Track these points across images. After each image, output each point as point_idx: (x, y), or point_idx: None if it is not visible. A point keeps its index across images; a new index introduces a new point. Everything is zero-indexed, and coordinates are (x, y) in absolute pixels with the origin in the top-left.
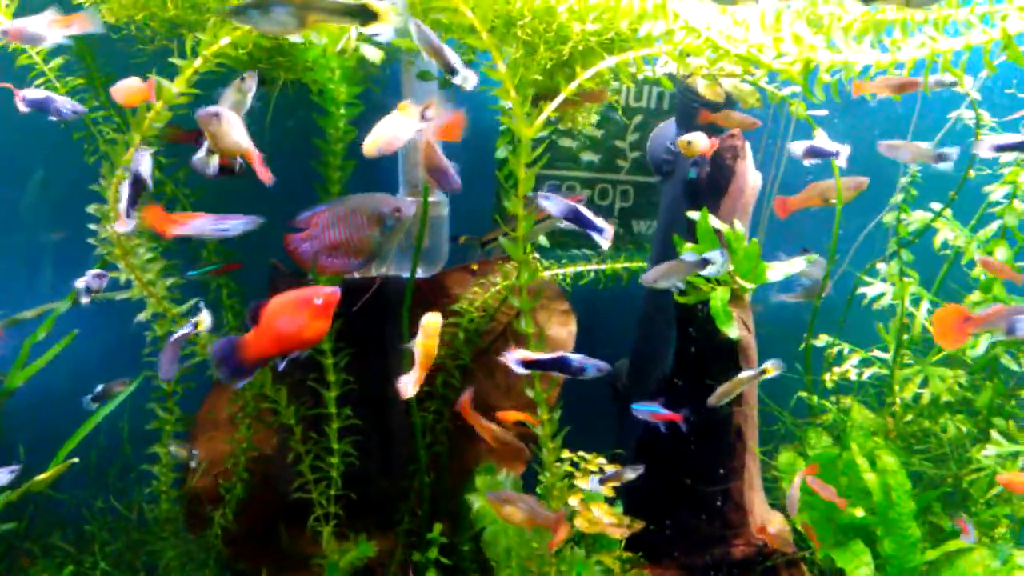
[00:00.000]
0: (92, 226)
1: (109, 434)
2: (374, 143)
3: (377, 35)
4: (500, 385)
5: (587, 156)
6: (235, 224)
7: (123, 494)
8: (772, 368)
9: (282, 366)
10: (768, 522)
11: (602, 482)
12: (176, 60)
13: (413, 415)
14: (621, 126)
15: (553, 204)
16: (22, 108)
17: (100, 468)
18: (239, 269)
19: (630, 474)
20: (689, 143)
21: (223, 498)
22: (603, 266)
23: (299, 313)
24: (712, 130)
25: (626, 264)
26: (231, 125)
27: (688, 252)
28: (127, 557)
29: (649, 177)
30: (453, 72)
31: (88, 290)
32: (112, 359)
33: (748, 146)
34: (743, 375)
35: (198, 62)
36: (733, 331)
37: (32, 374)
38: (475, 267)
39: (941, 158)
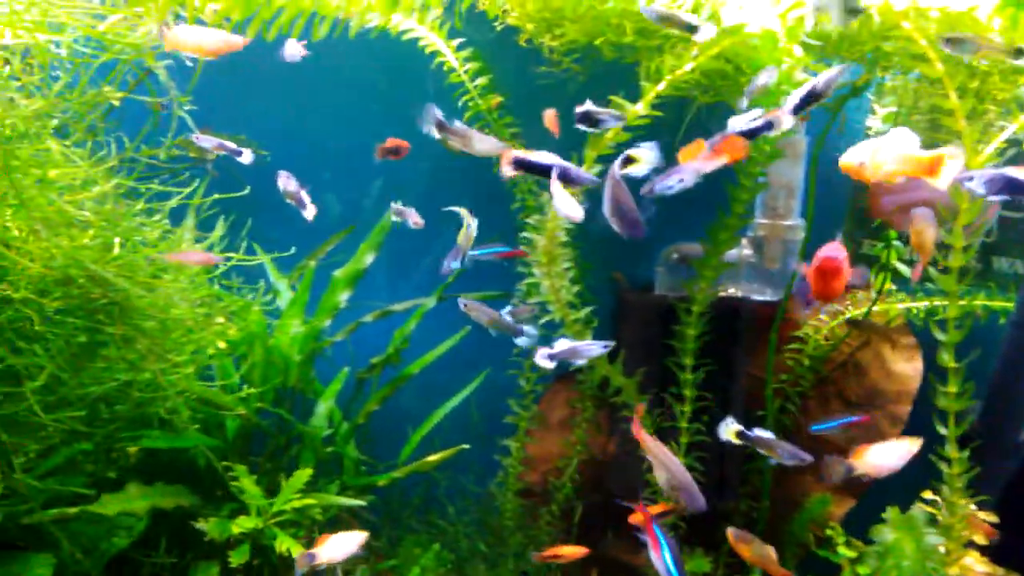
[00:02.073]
0: (526, 234)
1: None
2: None
3: None
4: (833, 415)
5: None
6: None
7: (482, 478)
8: None
9: None
10: None
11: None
12: (643, 83)
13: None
14: None
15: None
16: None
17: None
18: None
19: None
20: None
21: (551, 495)
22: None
23: None
24: None
25: (985, 302)
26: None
27: None
28: (478, 536)
29: (1014, 212)
30: None
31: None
32: (469, 355)
33: None
34: None
35: (662, 86)
36: None
37: (427, 364)
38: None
39: None
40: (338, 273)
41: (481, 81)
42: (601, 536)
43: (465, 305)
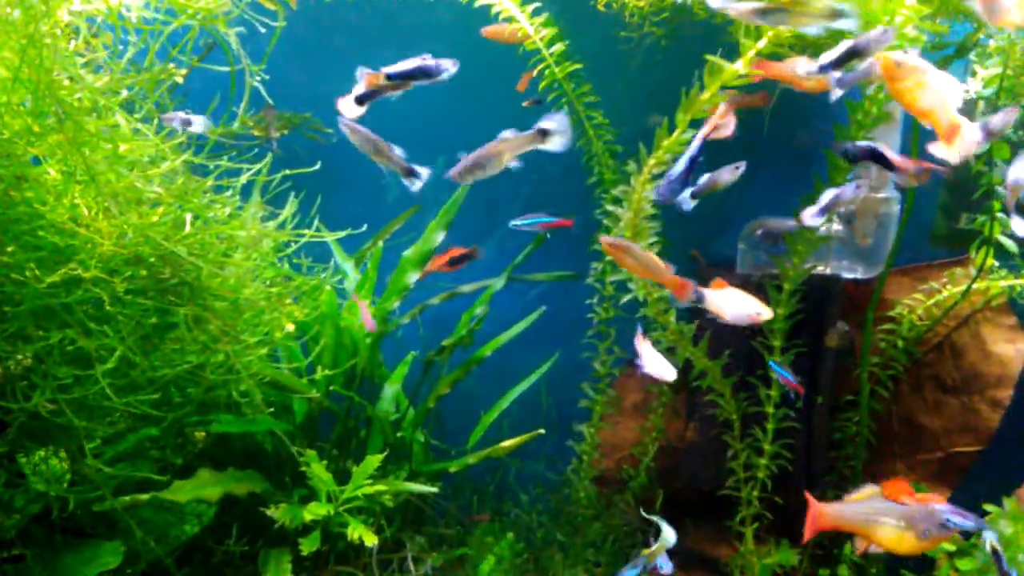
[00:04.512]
0: (610, 207)
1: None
2: None
3: None
4: (928, 401)
5: None
6: None
7: (554, 464)
8: None
9: None
10: None
11: None
12: (742, 40)
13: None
14: None
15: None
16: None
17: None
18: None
19: None
20: None
21: (626, 483)
22: None
23: None
24: None
25: None
26: None
27: None
28: (552, 525)
29: None
30: None
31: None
32: (541, 337)
33: None
34: None
35: (762, 43)
36: None
37: (499, 345)
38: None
39: None
40: (407, 252)
41: (557, 48)
42: (680, 526)
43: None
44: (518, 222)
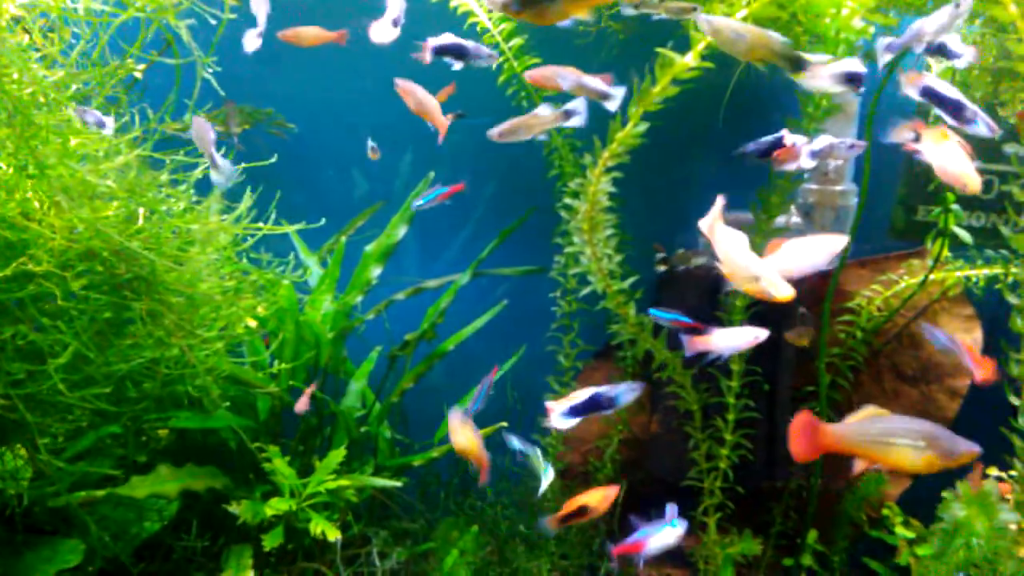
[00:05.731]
0: (568, 200)
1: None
2: None
3: None
4: (887, 390)
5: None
6: None
7: (519, 458)
8: None
9: None
10: None
11: None
12: (692, 33)
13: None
14: None
15: None
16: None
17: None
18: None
19: None
20: None
21: (591, 475)
22: None
23: None
24: None
25: None
26: None
27: None
28: (517, 516)
29: None
30: None
31: None
32: (504, 331)
33: None
34: None
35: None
36: None
37: (463, 339)
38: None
39: None
40: (369, 248)
41: (516, 42)
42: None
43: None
44: (419, 202)
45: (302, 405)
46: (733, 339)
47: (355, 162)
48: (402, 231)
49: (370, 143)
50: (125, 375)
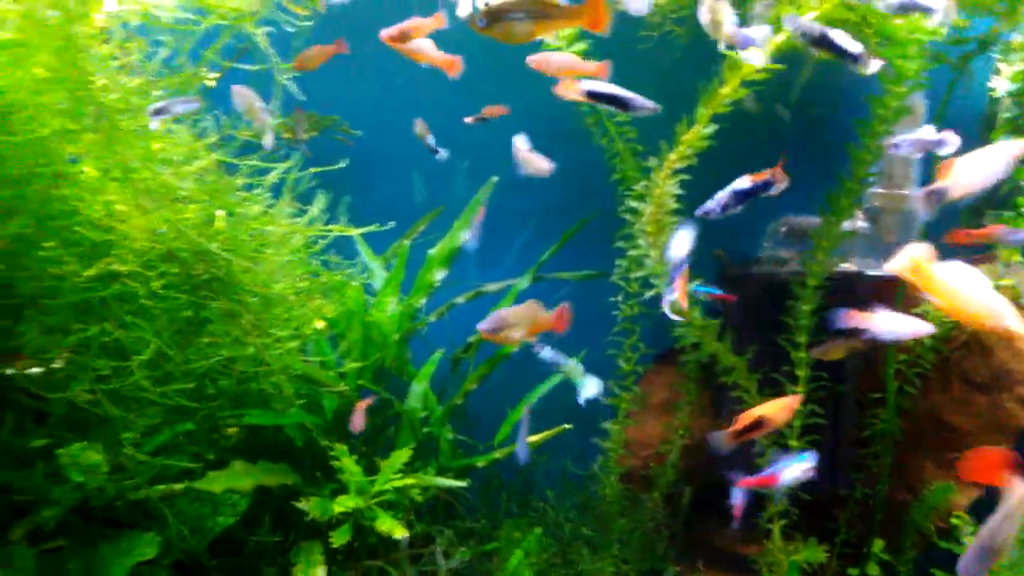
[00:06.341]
0: (632, 203)
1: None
2: None
3: None
4: (956, 398)
5: None
6: None
7: (580, 461)
8: None
9: None
10: None
11: None
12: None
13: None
14: None
15: None
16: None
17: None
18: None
19: None
20: None
21: (652, 480)
22: None
23: None
24: None
25: None
26: None
27: None
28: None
29: None
30: None
31: None
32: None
33: None
34: None
35: (780, 37)
36: None
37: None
38: None
39: None
40: (433, 251)
41: (579, 47)
42: (707, 525)
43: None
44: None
45: (358, 422)
46: (895, 324)
47: (417, 167)
48: (465, 235)
49: (431, 141)
50: (203, 373)
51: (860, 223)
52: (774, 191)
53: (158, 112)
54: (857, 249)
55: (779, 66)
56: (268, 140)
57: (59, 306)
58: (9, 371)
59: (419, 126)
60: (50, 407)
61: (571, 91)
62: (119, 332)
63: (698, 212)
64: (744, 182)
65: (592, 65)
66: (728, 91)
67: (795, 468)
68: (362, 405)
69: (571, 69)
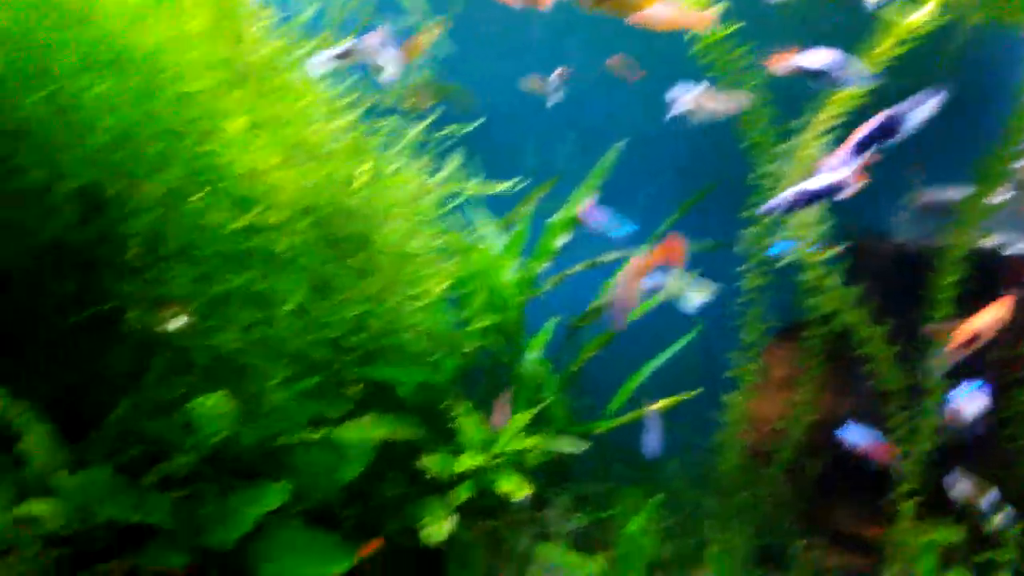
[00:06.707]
0: (770, 167)
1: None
2: None
3: None
4: None
5: None
6: None
7: (698, 432)
8: None
9: None
10: None
11: None
12: None
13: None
14: None
15: None
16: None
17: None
18: None
19: None
20: None
21: (771, 455)
22: None
23: None
24: None
25: None
26: None
27: None
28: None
29: None
30: None
31: None
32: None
33: None
34: None
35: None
36: None
37: (643, 313)
38: None
39: None
40: (554, 218)
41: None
42: (830, 502)
43: None
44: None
45: (500, 417)
46: None
47: (536, 135)
48: (588, 202)
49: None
50: (339, 326)
51: (1007, 194)
52: (844, 194)
53: (341, 56)
54: (1000, 224)
55: (943, 17)
56: (391, 71)
57: (206, 256)
58: (160, 319)
59: (533, 81)
60: (194, 356)
61: (782, 64)
62: (262, 283)
63: (760, 210)
64: (815, 182)
65: (696, 16)
66: (881, 51)
67: (974, 396)
68: (504, 398)
69: (676, 22)
